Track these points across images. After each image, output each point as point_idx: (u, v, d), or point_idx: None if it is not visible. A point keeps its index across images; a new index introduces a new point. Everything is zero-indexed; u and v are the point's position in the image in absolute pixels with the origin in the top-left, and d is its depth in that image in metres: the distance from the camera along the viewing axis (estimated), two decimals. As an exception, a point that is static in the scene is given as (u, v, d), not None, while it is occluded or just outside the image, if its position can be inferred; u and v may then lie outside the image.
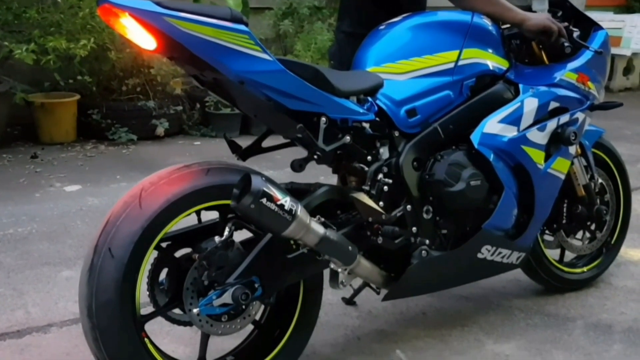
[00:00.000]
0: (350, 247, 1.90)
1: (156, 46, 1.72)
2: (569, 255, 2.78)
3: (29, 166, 4.36)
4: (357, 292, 2.53)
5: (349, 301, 2.58)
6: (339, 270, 1.95)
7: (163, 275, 1.90)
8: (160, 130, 5.05)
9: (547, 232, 2.62)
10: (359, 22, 2.48)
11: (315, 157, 1.90)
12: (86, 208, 3.61)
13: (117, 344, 1.71)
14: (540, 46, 2.43)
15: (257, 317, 1.99)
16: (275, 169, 3.90)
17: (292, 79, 1.84)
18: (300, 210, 1.76)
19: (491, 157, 2.16)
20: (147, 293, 1.85)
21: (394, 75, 2.14)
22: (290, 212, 1.73)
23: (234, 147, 2.14)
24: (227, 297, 1.78)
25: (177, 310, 1.90)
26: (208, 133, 5.30)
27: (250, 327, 2.01)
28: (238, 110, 2.15)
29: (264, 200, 1.69)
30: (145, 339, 1.77)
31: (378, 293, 2.24)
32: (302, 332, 2.02)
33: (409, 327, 2.45)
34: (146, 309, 1.83)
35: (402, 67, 2.15)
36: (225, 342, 2.06)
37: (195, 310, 1.77)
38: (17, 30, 4.72)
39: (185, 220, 1.84)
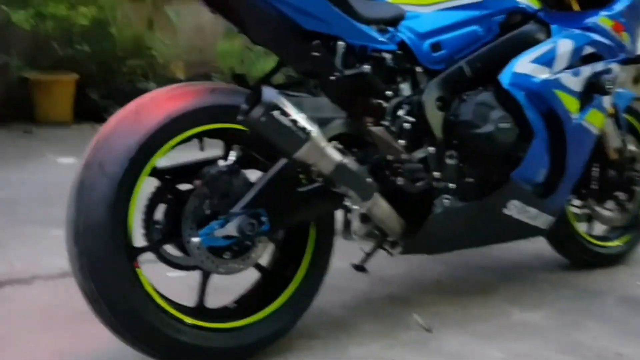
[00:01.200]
0: (368, 179, 1.70)
1: None
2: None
3: (22, 140, 4.19)
4: (367, 256, 2.32)
5: (359, 267, 2.36)
6: (355, 207, 1.74)
7: (159, 214, 1.71)
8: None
9: (575, 198, 2.43)
10: None
11: (333, 77, 1.71)
12: (79, 178, 3.42)
13: (106, 272, 1.50)
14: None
15: (263, 262, 1.78)
16: None
17: None
18: (315, 131, 1.57)
19: (522, 98, 1.98)
20: (142, 230, 1.66)
21: (418, 7, 1.97)
22: (304, 130, 1.54)
23: (241, 83, 1.95)
24: (231, 228, 1.58)
25: (173, 251, 1.71)
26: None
27: (256, 274, 1.81)
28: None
29: (276, 113, 1.50)
30: (138, 269, 1.56)
31: (392, 254, 2.04)
32: (312, 281, 1.81)
33: (424, 294, 2.24)
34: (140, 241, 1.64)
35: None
36: (225, 294, 1.85)
37: (195, 240, 1.57)
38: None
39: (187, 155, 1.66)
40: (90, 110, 4.82)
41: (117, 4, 4.77)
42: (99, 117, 4.80)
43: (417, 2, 1.98)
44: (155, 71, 4.98)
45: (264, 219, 1.63)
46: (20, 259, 2.34)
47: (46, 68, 4.87)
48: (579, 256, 2.50)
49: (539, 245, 2.55)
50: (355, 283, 2.28)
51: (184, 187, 1.70)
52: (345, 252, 1.98)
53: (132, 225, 1.55)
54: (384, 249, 2.04)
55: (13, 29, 4.20)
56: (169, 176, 1.68)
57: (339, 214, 1.85)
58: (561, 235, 2.43)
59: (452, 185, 1.93)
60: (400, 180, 1.82)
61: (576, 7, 2.25)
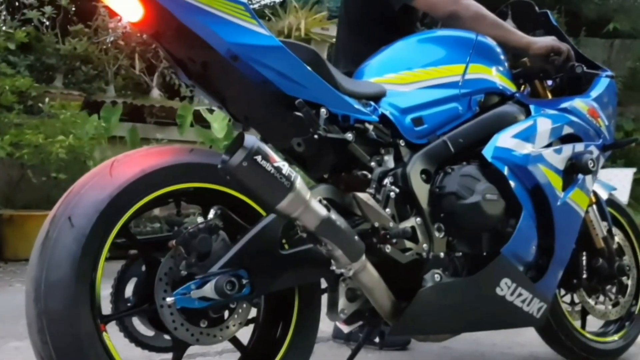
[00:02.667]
0: (356, 237, 1.61)
1: (142, 15, 1.56)
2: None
3: (-11, 273, 4.01)
4: (353, 354, 2.16)
5: (349, 337, 2.20)
6: (341, 270, 1.63)
7: (129, 291, 1.58)
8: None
9: (566, 289, 2.34)
10: (354, 63, 2.36)
11: (315, 136, 1.66)
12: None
13: (68, 335, 1.35)
14: (544, 84, 2.32)
15: (243, 341, 1.63)
16: None
17: (291, 59, 1.66)
18: (298, 181, 1.49)
19: (506, 171, 1.95)
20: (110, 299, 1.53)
21: (398, 86, 1.98)
22: (288, 177, 1.46)
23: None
24: (208, 289, 1.45)
25: (142, 328, 1.56)
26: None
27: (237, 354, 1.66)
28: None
29: (258, 158, 1.43)
30: (105, 334, 1.41)
31: (380, 348, 1.89)
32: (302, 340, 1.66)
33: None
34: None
35: (406, 78, 2.00)
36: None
37: (169, 300, 1.43)
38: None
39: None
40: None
41: (95, 142, 4.81)
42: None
43: (397, 81, 1.99)
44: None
45: (245, 281, 1.51)
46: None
47: (20, 207, 4.80)
48: (577, 353, 2.35)
49: (535, 350, 2.41)
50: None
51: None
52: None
53: (99, 285, 1.42)
54: (371, 342, 1.90)
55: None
56: (141, 244, 1.57)
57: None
58: (558, 331, 2.31)
59: (441, 259, 1.84)
60: (388, 249, 1.73)
61: (549, 96, 2.30)
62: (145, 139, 5.57)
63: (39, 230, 1.45)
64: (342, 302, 1.72)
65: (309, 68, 1.70)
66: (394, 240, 1.73)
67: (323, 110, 1.73)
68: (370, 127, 1.84)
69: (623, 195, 6.33)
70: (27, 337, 1.42)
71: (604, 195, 2.47)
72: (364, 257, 1.64)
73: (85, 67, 5.88)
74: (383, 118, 1.90)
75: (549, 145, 2.08)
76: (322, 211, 1.54)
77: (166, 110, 6.10)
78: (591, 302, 2.39)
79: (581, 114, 2.22)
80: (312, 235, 1.55)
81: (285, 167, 1.47)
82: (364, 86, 1.95)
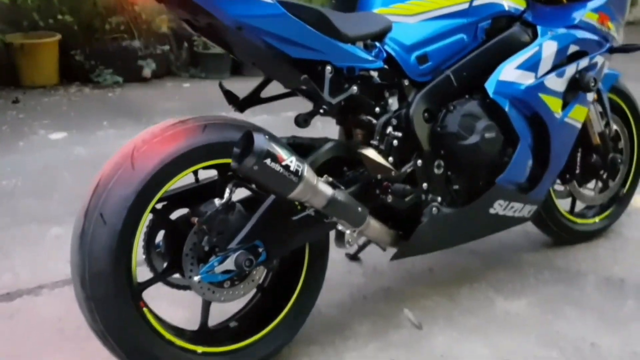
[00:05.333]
0: (359, 208, 1.77)
1: None
2: (579, 206, 2.67)
3: (11, 112, 4.18)
4: (361, 248, 2.42)
5: (353, 257, 2.47)
6: (347, 231, 1.82)
7: (159, 237, 1.78)
8: (147, 72, 4.85)
9: (559, 182, 2.51)
10: None
11: (321, 111, 1.74)
12: (73, 158, 3.45)
13: (114, 315, 1.59)
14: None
15: (261, 281, 1.87)
16: (271, 113, 3.70)
17: (294, 24, 1.68)
18: (306, 171, 1.62)
19: (507, 106, 2.02)
20: (144, 257, 1.73)
21: (404, 18, 1.97)
22: (296, 173, 1.59)
23: (231, 98, 1.98)
24: (229, 264, 1.65)
25: (176, 275, 1.79)
26: (197, 74, 5.09)
27: (254, 291, 1.90)
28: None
29: (267, 161, 1.55)
30: (144, 309, 1.65)
31: (384, 250, 2.13)
32: (308, 296, 1.91)
33: (416, 285, 2.34)
34: (144, 275, 1.71)
35: (412, 8, 1.98)
36: (228, 306, 1.95)
37: (196, 278, 1.65)
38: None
39: (183, 178, 1.71)
40: (76, 71, 4.79)
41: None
42: (85, 77, 4.79)
43: (403, 12, 1.97)
44: (139, 27, 4.89)
45: (260, 249, 1.71)
46: (25, 265, 2.41)
47: (27, 30, 4.79)
48: (560, 234, 2.59)
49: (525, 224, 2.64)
50: (350, 277, 2.38)
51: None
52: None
53: (135, 268, 1.62)
54: (377, 244, 2.13)
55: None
56: (164, 203, 1.74)
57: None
58: (543, 214, 2.48)
59: (439, 193, 2.00)
60: (389, 198, 1.89)
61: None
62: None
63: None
64: (348, 234, 1.92)
65: (312, 29, 1.71)
66: (395, 190, 1.89)
67: (328, 68, 1.77)
68: (375, 73, 1.89)
69: None
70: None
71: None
72: (367, 218, 1.81)
73: None
74: (388, 59, 1.93)
75: (554, 68, 2.11)
76: (329, 191, 1.68)
77: None
78: (580, 190, 2.57)
79: (590, 26, 2.20)
80: (320, 212, 1.71)
81: (293, 163, 1.59)
82: (370, 23, 1.94)
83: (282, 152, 1.58)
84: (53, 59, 4.74)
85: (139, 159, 1.61)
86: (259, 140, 1.55)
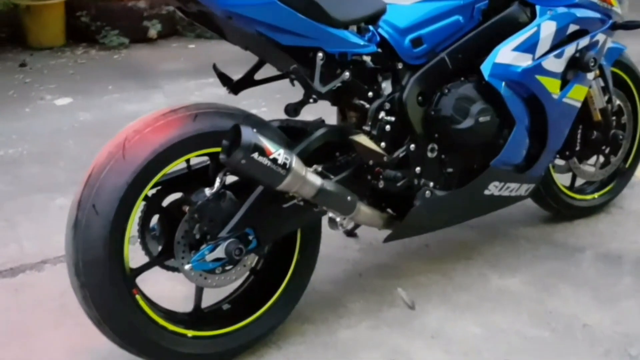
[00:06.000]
0: (349, 197, 1.79)
1: None
2: (579, 181, 2.67)
3: (18, 76, 4.20)
4: (357, 225, 2.44)
5: (350, 233, 2.50)
6: (338, 219, 1.85)
7: (154, 221, 1.81)
8: (152, 33, 4.82)
9: (558, 157, 2.50)
10: None
11: (311, 100, 1.75)
12: (78, 124, 3.48)
13: (107, 302, 1.64)
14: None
15: (253, 265, 1.90)
16: (266, 98, 3.65)
17: (283, 12, 1.67)
18: (295, 162, 1.63)
19: (502, 89, 2.00)
20: (139, 241, 1.77)
21: (398, 0, 1.95)
22: (284, 165, 1.61)
23: (225, 80, 1.98)
24: (220, 252, 1.69)
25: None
26: (203, 34, 5.05)
27: (247, 274, 1.94)
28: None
29: (255, 155, 1.56)
30: (137, 295, 1.69)
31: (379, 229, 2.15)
32: (300, 278, 1.95)
33: (411, 261, 2.37)
34: (138, 261, 1.76)
35: (408, -11, 1.95)
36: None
37: (187, 267, 1.68)
38: None
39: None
40: (82, 32, 4.78)
41: None
42: (91, 39, 4.78)
43: (398, -7, 1.95)
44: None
45: (251, 237, 1.74)
46: (30, 238, 2.47)
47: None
48: (558, 210, 2.59)
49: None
50: (346, 252, 2.42)
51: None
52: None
53: (127, 255, 1.66)
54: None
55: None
56: (158, 187, 1.76)
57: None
58: (541, 190, 2.47)
59: (432, 176, 2.01)
60: (381, 184, 1.91)
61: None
62: None
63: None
64: (340, 218, 1.95)
65: (302, 16, 1.70)
66: (387, 176, 1.90)
67: (319, 55, 1.77)
68: (368, 58, 1.88)
69: None
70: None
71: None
72: (357, 205, 1.82)
73: None
74: (382, 42, 1.91)
75: (552, 49, 2.08)
76: (317, 182, 1.70)
77: None
78: (581, 166, 2.56)
79: (591, 3, 2.16)
80: (309, 201, 1.73)
81: (281, 156, 1.60)
82: (363, 6, 1.91)
83: (269, 145, 1.59)
84: (59, 20, 4.73)
85: (131, 149, 1.63)
86: (246, 134, 1.56)
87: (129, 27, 4.75)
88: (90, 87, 4.01)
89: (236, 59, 2.10)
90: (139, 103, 3.78)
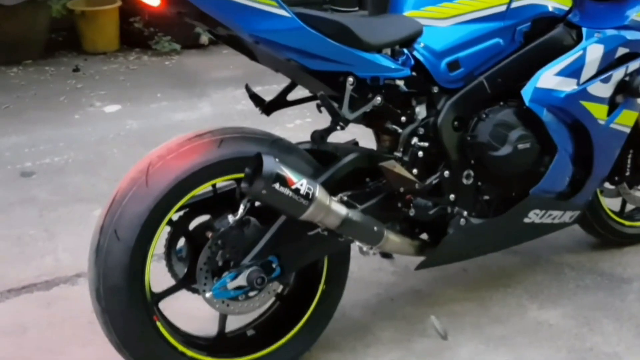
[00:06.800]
0: (376, 227, 1.74)
1: (161, 3, 1.55)
2: (629, 207, 2.53)
3: (71, 81, 4.27)
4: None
5: (385, 254, 2.43)
6: (365, 249, 1.80)
7: (181, 242, 1.80)
8: (204, 39, 4.84)
9: (607, 183, 2.38)
10: None
11: (338, 127, 1.70)
12: (124, 133, 3.52)
13: (127, 328, 1.64)
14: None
15: (279, 290, 1.87)
16: (311, 109, 3.56)
17: (312, 37, 1.64)
18: (318, 192, 1.59)
19: (544, 115, 1.91)
20: (165, 264, 1.76)
21: (436, 21, 1.89)
22: (306, 196, 1.57)
23: (257, 101, 1.96)
24: (242, 280, 1.66)
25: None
26: (254, 40, 5.06)
27: (272, 300, 1.91)
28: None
29: (276, 186, 1.53)
30: (158, 322, 1.68)
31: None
32: (327, 306, 1.90)
33: (447, 287, 2.30)
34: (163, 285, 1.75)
35: (445, 11, 1.89)
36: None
37: (208, 295, 1.66)
38: None
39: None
40: (136, 37, 4.84)
41: None
42: (144, 44, 4.85)
43: (436, 15, 1.88)
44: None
45: (274, 265, 1.70)
46: (67, 250, 2.50)
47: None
48: (606, 236, 2.47)
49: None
50: (379, 275, 2.36)
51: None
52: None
53: (149, 282, 1.65)
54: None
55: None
56: (186, 210, 1.75)
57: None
58: (588, 215, 2.33)
59: (467, 204, 1.94)
60: (412, 212, 1.85)
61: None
62: None
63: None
64: (367, 247, 1.88)
65: (331, 41, 1.66)
66: (418, 204, 1.84)
67: (350, 79, 1.72)
68: (402, 82, 1.82)
69: None
70: None
71: None
72: (385, 234, 1.77)
73: None
74: (417, 65, 1.85)
75: (599, 73, 1.97)
76: (342, 212, 1.66)
77: None
78: (631, 192, 2.43)
79: (642, 25, 2.04)
80: (334, 232, 1.68)
81: (304, 186, 1.57)
82: (398, 29, 1.86)
83: (292, 175, 1.56)
84: (114, 26, 4.80)
85: (154, 175, 1.62)
86: (268, 164, 1.53)
87: (181, 33, 4.77)
88: (139, 94, 4.06)
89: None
90: (186, 112, 3.80)
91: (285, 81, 1.96)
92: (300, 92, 1.97)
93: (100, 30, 4.77)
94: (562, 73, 1.92)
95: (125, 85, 4.24)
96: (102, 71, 4.47)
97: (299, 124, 3.50)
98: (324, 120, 1.80)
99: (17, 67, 4.49)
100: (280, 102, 1.96)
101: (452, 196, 1.91)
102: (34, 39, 4.59)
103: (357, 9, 5.17)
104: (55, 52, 4.76)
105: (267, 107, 1.96)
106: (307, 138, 1.82)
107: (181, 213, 1.75)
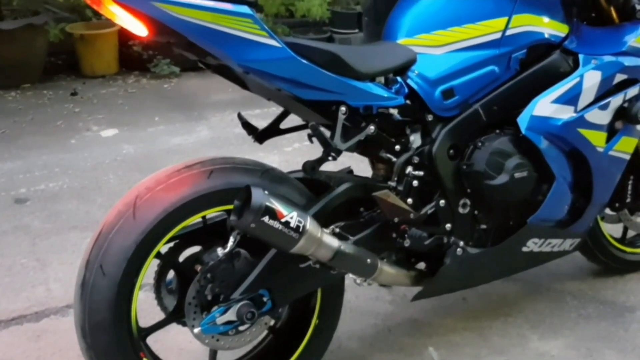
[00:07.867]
0: (369, 260, 1.69)
1: (149, 33, 1.52)
2: (631, 233, 2.49)
3: (68, 105, 4.27)
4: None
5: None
6: (359, 281, 1.75)
7: (171, 275, 1.76)
8: (203, 62, 4.84)
9: (607, 210, 2.33)
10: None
11: (330, 158, 1.67)
12: (120, 158, 3.49)
13: (113, 366, 1.59)
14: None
15: (272, 324, 1.82)
16: (299, 140, 3.46)
17: (304, 67, 1.60)
18: (309, 224, 1.55)
19: (541, 143, 1.87)
20: (154, 297, 1.72)
21: (429, 49, 1.85)
22: (297, 229, 1.53)
23: (250, 129, 1.92)
24: (231, 315, 1.61)
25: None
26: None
27: (264, 333, 1.86)
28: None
29: (265, 219, 1.49)
30: (144, 359, 1.63)
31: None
32: (320, 340, 1.86)
33: (446, 317, 2.25)
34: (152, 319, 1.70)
35: (439, 39, 1.85)
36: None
37: (196, 330, 1.62)
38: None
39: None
40: (134, 60, 4.84)
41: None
42: (143, 67, 4.84)
43: (429, 43, 1.85)
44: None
45: (265, 299, 1.66)
46: (58, 280, 2.46)
47: (89, 19, 4.85)
48: (608, 264, 2.42)
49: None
50: (377, 305, 2.31)
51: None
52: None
53: (135, 317, 1.61)
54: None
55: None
56: (176, 241, 1.71)
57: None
58: (589, 242, 2.30)
59: (464, 234, 1.89)
60: (407, 242, 1.80)
61: (615, 18, 2.05)
62: None
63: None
64: (360, 280, 1.84)
65: (322, 70, 1.63)
66: (413, 235, 1.79)
67: (342, 109, 1.69)
68: (395, 110, 1.79)
69: None
70: None
71: None
72: (378, 267, 1.72)
73: None
74: (411, 93, 1.82)
75: (597, 99, 1.94)
76: (334, 244, 1.61)
77: None
78: (632, 218, 2.39)
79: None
80: (326, 264, 1.64)
81: (294, 219, 1.52)
82: (391, 57, 1.82)
83: (281, 208, 1.52)
84: (112, 49, 4.81)
85: (141, 208, 1.58)
86: (257, 196, 1.49)
87: (180, 55, 4.73)
88: (137, 118, 4.04)
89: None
90: (183, 136, 3.78)
91: (280, 107, 1.94)
92: (293, 119, 1.94)
93: (99, 53, 4.77)
94: (559, 100, 1.88)
95: (123, 109, 4.22)
96: (100, 95, 4.46)
97: (297, 147, 3.47)
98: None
99: (15, 91, 4.49)
100: (273, 130, 1.93)
101: (448, 226, 1.87)
102: (33, 62, 4.59)
103: (357, 31, 5.15)
104: (54, 75, 4.77)
105: (260, 136, 1.93)
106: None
107: (171, 244, 1.71)
